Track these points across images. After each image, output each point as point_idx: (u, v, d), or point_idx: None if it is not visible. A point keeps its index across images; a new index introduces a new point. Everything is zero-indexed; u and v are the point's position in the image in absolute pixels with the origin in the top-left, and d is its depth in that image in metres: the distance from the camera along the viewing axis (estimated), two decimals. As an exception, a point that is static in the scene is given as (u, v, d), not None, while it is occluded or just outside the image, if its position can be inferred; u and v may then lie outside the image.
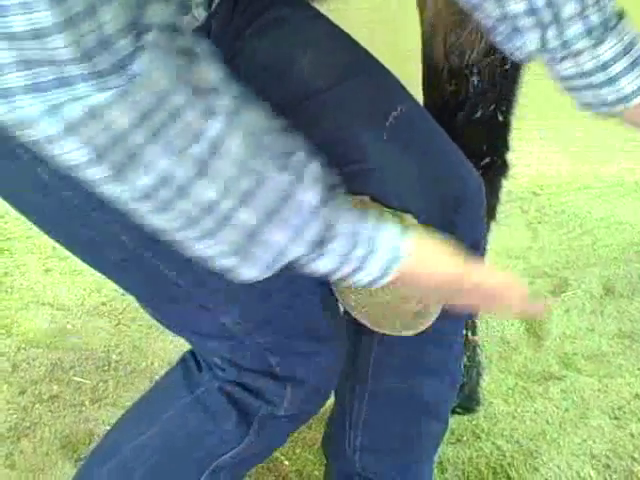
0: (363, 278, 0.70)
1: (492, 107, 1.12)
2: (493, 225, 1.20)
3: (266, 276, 0.68)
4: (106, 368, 1.51)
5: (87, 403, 1.41)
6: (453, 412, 1.30)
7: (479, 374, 1.31)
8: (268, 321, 0.82)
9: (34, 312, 1.66)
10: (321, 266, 0.68)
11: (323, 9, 0.91)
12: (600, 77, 0.78)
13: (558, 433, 1.33)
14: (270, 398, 0.85)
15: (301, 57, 0.84)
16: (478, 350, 1.29)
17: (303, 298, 0.82)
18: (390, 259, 0.70)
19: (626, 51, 0.78)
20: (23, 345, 1.55)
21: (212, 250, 0.66)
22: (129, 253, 0.76)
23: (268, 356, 0.83)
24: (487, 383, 1.42)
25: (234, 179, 0.62)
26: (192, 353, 0.89)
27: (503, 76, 1.11)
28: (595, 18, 0.77)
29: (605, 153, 2.27)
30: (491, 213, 1.19)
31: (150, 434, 0.88)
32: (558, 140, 2.27)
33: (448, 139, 0.91)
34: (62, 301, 1.69)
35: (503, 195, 1.23)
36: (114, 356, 1.54)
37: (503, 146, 1.15)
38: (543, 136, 2.22)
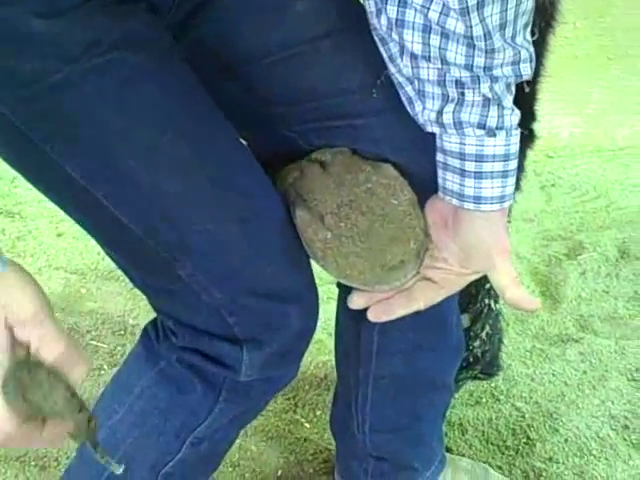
0: None
1: None
2: (518, 195, 1.19)
3: None
4: (122, 332, 1.51)
5: (105, 367, 1.41)
6: (474, 378, 1.31)
7: (501, 341, 1.31)
8: (226, 275, 0.78)
9: (48, 276, 1.65)
10: None
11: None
12: (471, 167, 0.78)
13: (576, 395, 1.34)
14: (228, 363, 0.81)
15: (294, 2, 0.82)
16: (500, 318, 1.28)
17: (264, 251, 0.78)
18: None
19: (505, 158, 0.78)
20: (39, 309, 1.55)
21: None
22: (81, 193, 0.74)
23: (225, 315, 0.79)
24: (505, 345, 1.42)
25: None
26: (153, 324, 0.87)
27: None
28: (493, 119, 0.77)
29: (619, 115, 2.24)
30: (517, 185, 1.17)
31: (123, 412, 0.87)
32: (572, 102, 2.25)
33: None
34: (76, 265, 1.69)
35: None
36: (130, 320, 1.54)
37: (530, 117, 1.13)
38: (557, 98, 2.19)
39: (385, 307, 0.84)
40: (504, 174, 0.78)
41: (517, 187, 1.18)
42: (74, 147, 0.73)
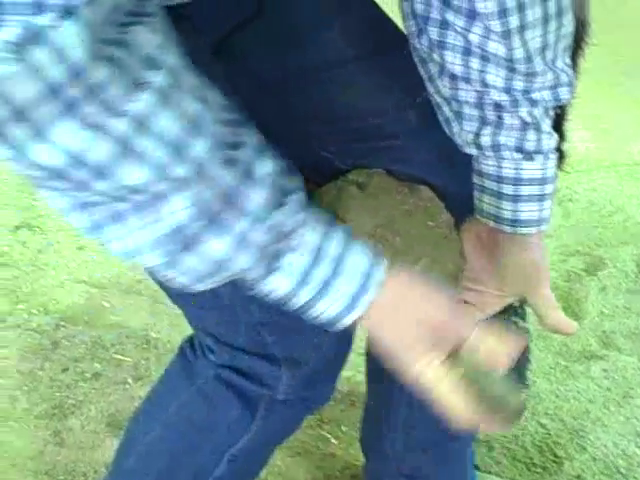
0: (328, 308, 0.61)
1: None
2: None
3: (207, 288, 0.59)
4: (145, 346, 1.51)
5: (130, 381, 1.41)
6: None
7: (528, 360, 1.30)
8: None
9: (70, 290, 1.66)
10: (275, 284, 0.60)
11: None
12: (509, 190, 0.78)
13: (602, 412, 1.34)
14: (266, 382, 0.82)
15: (332, 23, 0.83)
16: (527, 336, 1.28)
17: None
18: (360, 286, 0.60)
19: (542, 182, 0.78)
20: (62, 323, 1.55)
21: (133, 245, 0.56)
22: None
23: (264, 333, 0.79)
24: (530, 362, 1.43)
25: (165, 163, 0.51)
26: (189, 342, 0.87)
27: None
28: (531, 142, 0.77)
29: (634, 130, 2.25)
30: None
31: (160, 429, 0.88)
32: (587, 117, 2.26)
33: None
34: (97, 278, 1.69)
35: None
36: (153, 334, 1.54)
37: (560, 138, 1.13)
38: (572, 113, 2.19)
39: None
40: (541, 197, 0.79)
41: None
42: None
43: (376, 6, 0.87)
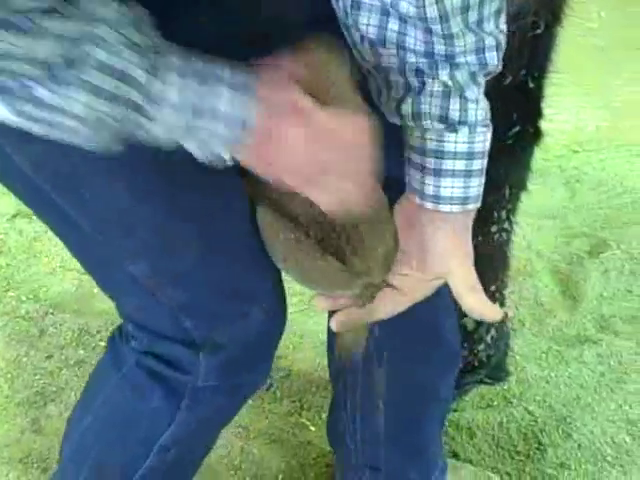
0: (229, 104, 0.60)
1: (522, 73, 1.05)
2: (524, 195, 1.14)
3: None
4: (132, 333, 1.50)
5: (113, 368, 1.41)
6: (481, 382, 1.26)
7: (507, 346, 1.25)
8: (181, 275, 0.75)
9: (61, 277, 1.65)
10: (167, 90, 0.58)
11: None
12: (431, 163, 0.73)
13: (592, 398, 1.29)
14: (185, 367, 0.79)
15: None
16: (507, 321, 1.23)
17: (222, 249, 0.75)
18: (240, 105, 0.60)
19: (469, 156, 0.73)
20: (50, 310, 1.55)
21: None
22: (34, 188, 0.72)
23: (182, 317, 0.76)
24: (520, 347, 1.38)
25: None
26: (119, 328, 0.85)
27: (534, 41, 1.03)
28: (455, 112, 0.72)
29: (647, 108, 2.18)
30: (522, 184, 1.13)
31: (91, 419, 0.86)
32: (598, 95, 2.19)
33: None
34: (89, 266, 1.69)
35: (536, 160, 1.15)
36: (140, 321, 1.53)
37: (535, 114, 1.08)
38: (582, 91, 2.13)
39: (345, 315, 0.79)
40: (467, 173, 0.74)
41: (524, 187, 1.14)
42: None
43: None
